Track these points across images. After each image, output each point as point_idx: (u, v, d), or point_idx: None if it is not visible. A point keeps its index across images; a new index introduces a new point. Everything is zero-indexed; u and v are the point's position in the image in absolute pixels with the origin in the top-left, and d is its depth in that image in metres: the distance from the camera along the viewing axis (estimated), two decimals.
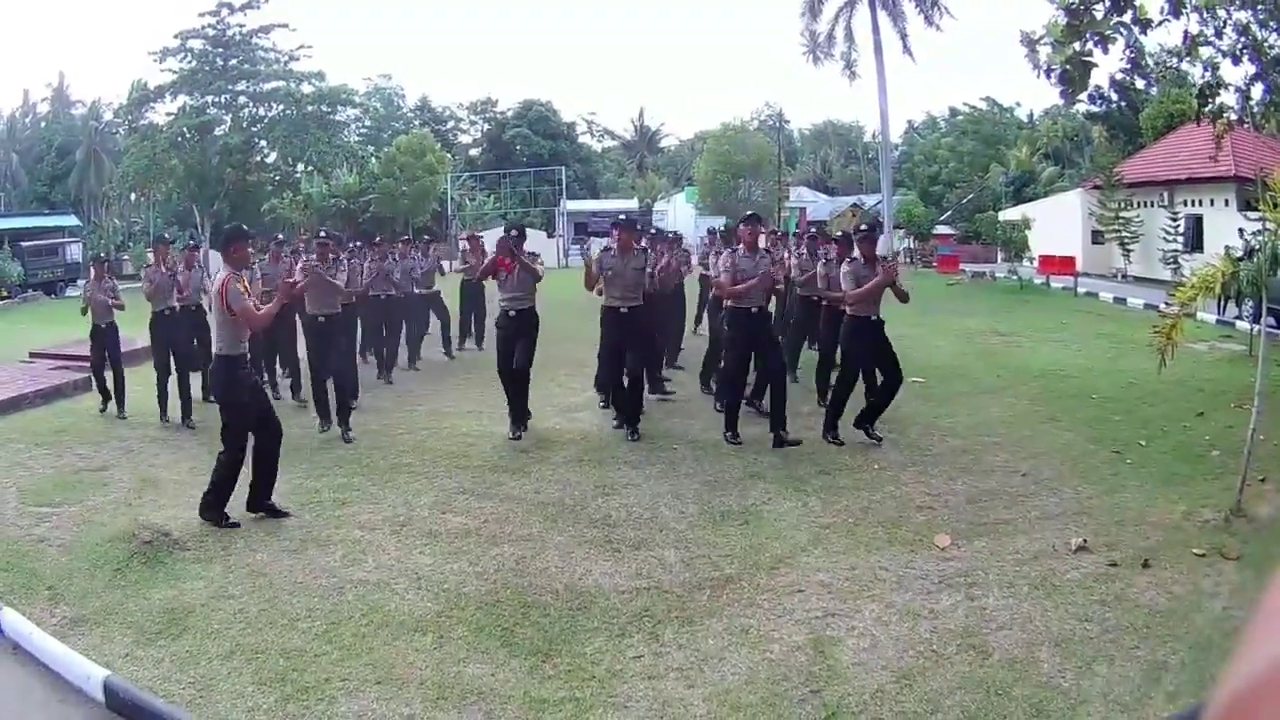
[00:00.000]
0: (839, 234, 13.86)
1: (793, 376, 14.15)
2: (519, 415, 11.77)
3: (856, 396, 11.32)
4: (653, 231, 15.85)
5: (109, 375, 13.96)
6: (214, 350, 9.04)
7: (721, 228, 21.23)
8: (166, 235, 16.05)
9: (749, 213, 11.88)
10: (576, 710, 5.41)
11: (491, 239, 15.09)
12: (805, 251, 14.67)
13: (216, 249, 27.57)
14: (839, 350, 11.91)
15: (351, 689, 5.66)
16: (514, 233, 11.73)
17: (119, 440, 12.29)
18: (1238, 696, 0.59)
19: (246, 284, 9.10)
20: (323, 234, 14.16)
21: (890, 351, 11.00)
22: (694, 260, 18.90)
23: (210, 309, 9.49)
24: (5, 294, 39.26)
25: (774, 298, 12.83)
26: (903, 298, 11.26)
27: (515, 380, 11.64)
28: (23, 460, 11.24)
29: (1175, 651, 5.87)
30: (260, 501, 8.93)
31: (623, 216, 12.02)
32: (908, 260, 43.00)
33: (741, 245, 11.32)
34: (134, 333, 15.32)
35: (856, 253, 11.19)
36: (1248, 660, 0.60)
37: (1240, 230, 19.51)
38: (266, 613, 6.80)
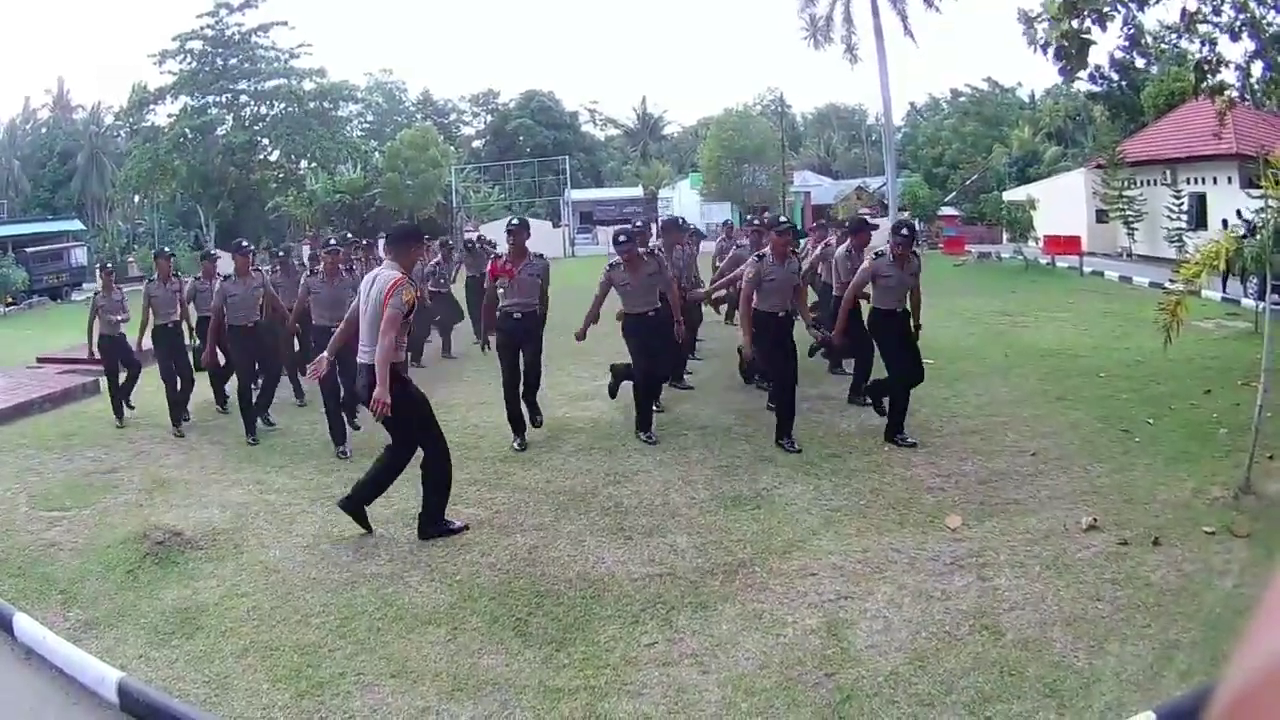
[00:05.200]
0: (859, 220, 13.68)
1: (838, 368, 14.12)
2: (533, 417, 11.40)
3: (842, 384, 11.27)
4: (680, 224, 15.52)
5: (123, 378, 13.88)
6: (364, 359, 7.95)
7: (753, 219, 20.97)
8: (167, 249, 15.88)
9: (784, 223, 11.53)
10: (591, 698, 5.42)
11: (494, 232, 15.03)
12: (851, 248, 13.15)
13: (224, 248, 27.57)
14: (874, 346, 11.61)
15: (366, 683, 5.68)
16: (515, 223, 11.18)
17: (129, 443, 12.33)
18: (1240, 693, 0.60)
19: (414, 294, 8.08)
20: (333, 242, 13.99)
21: (912, 343, 10.81)
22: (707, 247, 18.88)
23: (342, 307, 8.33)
24: (11, 300, 39.35)
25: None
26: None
27: (529, 385, 11.27)
28: (33, 465, 11.29)
29: (1187, 630, 5.87)
30: (360, 502, 8.33)
31: (623, 239, 11.44)
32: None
33: (770, 252, 10.82)
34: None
35: (885, 247, 10.94)
36: (1250, 656, 0.61)
37: (1238, 211, 19.47)
38: (280, 609, 6.82)
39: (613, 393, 12.31)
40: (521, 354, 11.12)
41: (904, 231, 10.84)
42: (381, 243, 17.94)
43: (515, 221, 11.21)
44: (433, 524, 8.17)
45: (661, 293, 11.42)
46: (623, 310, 11.48)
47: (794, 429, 10.76)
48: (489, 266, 11.46)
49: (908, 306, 10.87)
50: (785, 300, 10.74)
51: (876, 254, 10.96)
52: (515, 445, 11.14)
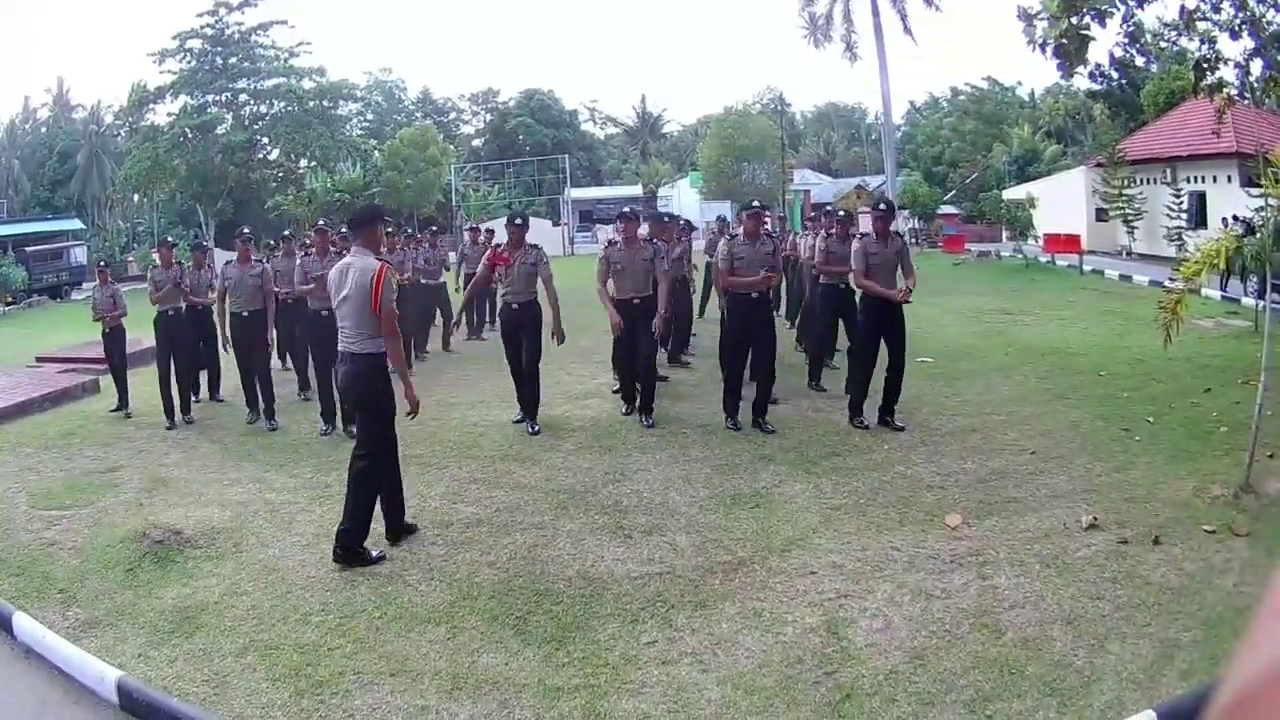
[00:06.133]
0: (841, 213, 13.84)
1: (829, 365, 14.11)
2: (530, 424, 11.58)
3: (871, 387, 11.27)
4: (666, 219, 15.41)
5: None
6: (351, 348, 7.74)
7: (729, 215, 21.08)
8: (170, 238, 15.95)
9: (753, 204, 11.69)
10: (591, 697, 5.42)
11: (499, 229, 15.06)
12: (834, 234, 13.77)
13: (222, 247, 27.56)
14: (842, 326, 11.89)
15: (366, 682, 5.68)
16: (518, 221, 11.51)
17: (128, 441, 12.31)
18: (1240, 695, 0.60)
19: (397, 277, 8.06)
20: (321, 223, 14.17)
21: (900, 329, 10.99)
22: (697, 245, 18.89)
23: (332, 298, 8.00)
24: (10, 299, 39.36)
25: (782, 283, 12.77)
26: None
27: (526, 377, 11.52)
28: (32, 464, 11.27)
29: (1187, 629, 5.87)
30: (399, 520, 8.16)
31: (627, 209, 11.76)
32: (913, 240, 42.96)
33: (742, 233, 11.15)
34: (141, 333, 15.35)
35: (869, 229, 11.16)
36: (1250, 659, 0.61)
37: (1234, 215, 19.51)
38: (279, 608, 6.82)
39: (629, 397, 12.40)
40: (522, 342, 11.36)
41: (881, 206, 11.13)
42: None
43: (519, 220, 11.35)
44: (352, 551, 7.65)
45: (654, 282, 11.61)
46: (613, 295, 11.71)
47: (737, 410, 11.41)
48: (488, 253, 11.60)
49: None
50: (755, 274, 10.90)
51: (861, 234, 11.16)
52: (515, 418, 11.76)
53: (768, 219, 13.07)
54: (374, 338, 7.70)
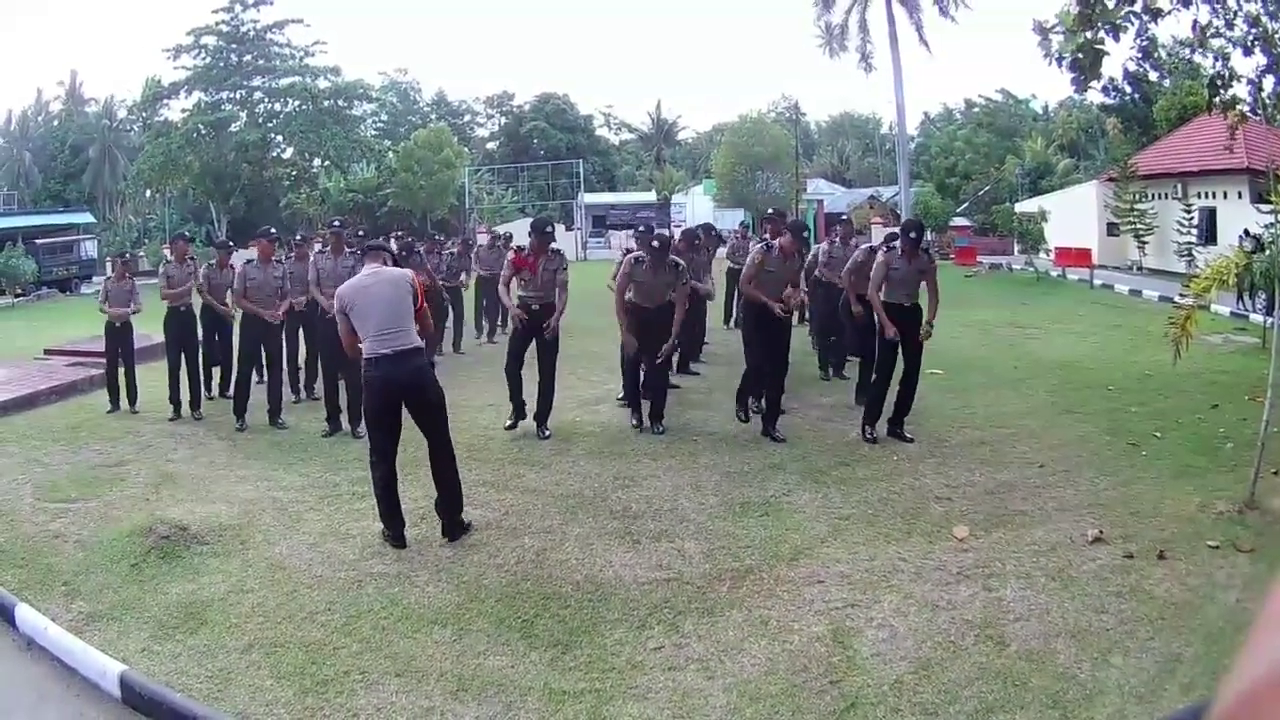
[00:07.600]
0: (844, 217, 13.93)
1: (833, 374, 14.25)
2: (539, 428, 11.58)
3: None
4: (697, 239, 15.10)
5: (121, 373, 14.01)
6: (401, 345, 7.89)
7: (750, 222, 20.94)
8: (186, 232, 15.86)
9: (799, 224, 11.75)
10: (597, 702, 5.42)
11: (515, 230, 15.04)
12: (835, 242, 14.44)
13: (236, 245, 27.73)
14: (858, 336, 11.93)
15: (371, 682, 5.68)
16: (547, 229, 11.44)
17: (136, 436, 12.33)
18: (1241, 698, 0.61)
19: None
20: (336, 223, 14.13)
21: (919, 343, 10.95)
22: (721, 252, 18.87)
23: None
24: (20, 292, 39.42)
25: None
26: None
27: (542, 378, 11.49)
28: (39, 456, 11.28)
29: (1190, 643, 5.86)
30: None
31: (656, 245, 11.56)
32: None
33: (778, 246, 11.10)
34: (149, 329, 15.36)
35: (897, 243, 11.10)
36: (1251, 662, 0.62)
37: (1245, 230, 19.50)
38: (285, 606, 6.82)
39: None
40: (537, 342, 11.35)
41: (912, 235, 10.93)
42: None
43: (548, 229, 11.35)
44: (462, 524, 8.20)
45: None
46: (630, 298, 11.76)
47: (746, 402, 11.72)
48: (511, 256, 11.63)
49: (918, 302, 11.01)
50: (778, 293, 10.97)
51: (888, 247, 11.09)
52: (507, 423, 11.70)
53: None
54: (415, 330, 8.02)
